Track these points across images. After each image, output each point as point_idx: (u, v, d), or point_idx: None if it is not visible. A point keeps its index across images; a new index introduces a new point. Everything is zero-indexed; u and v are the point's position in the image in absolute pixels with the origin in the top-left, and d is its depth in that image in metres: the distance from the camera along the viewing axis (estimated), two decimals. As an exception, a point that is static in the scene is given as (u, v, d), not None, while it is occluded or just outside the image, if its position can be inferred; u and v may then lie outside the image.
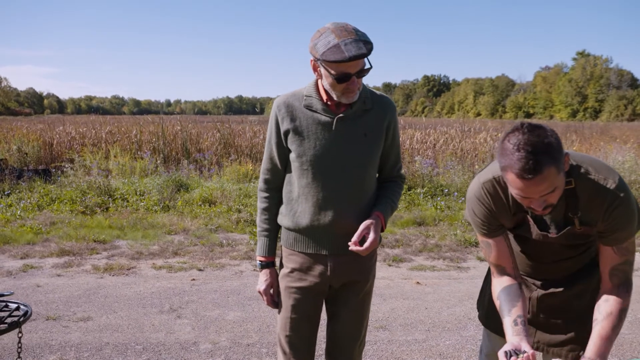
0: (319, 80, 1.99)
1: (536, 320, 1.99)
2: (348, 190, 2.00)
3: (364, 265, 2.11)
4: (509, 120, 51.87)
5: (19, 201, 8.60)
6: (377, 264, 5.66)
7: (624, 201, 1.67)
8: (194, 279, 5.04)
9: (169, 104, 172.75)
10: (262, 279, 2.15)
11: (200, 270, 5.35)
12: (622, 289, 1.73)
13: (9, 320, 2.23)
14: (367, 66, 1.89)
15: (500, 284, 1.86)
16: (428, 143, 13.92)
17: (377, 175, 2.14)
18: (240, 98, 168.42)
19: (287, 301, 2.11)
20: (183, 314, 4.15)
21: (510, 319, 1.75)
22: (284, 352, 2.15)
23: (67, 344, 3.60)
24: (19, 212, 7.95)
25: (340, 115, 1.97)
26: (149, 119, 17.44)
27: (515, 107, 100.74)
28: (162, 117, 16.52)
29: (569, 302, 1.95)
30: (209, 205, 8.51)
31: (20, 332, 2.27)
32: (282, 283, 2.13)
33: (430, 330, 3.94)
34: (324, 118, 1.98)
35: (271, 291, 2.16)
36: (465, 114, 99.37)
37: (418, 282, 5.06)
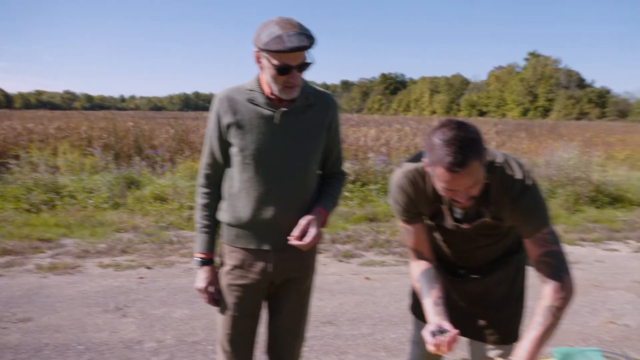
0: (262, 74, 1.99)
1: (458, 307, 2.06)
2: (291, 185, 2.00)
3: (306, 262, 2.13)
4: (463, 119, 52.86)
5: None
6: (328, 259, 5.72)
7: (528, 192, 1.73)
8: (141, 277, 4.96)
9: (123, 99, 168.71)
10: (201, 277, 2.13)
11: (148, 268, 5.27)
12: (551, 285, 1.73)
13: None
14: (309, 61, 1.90)
15: (419, 267, 1.94)
16: (382, 140, 14.07)
17: (318, 171, 2.14)
18: (197, 94, 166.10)
19: (228, 299, 2.10)
20: (128, 313, 4.09)
21: (431, 300, 1.82)
22: (225, 351, 2.13)
23: (5, 345, 3.49)
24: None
25: (284, 109, 1.97)
26: (101, 115, 17.04)
27: (469, 106, 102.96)
28: (114, 112, 16.15)
29: (488, 289, 2.03)
30: (161, 203, 8.38)
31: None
32: (224, 281, 2.11)
33: (376, 325, 4.00)
34: (266, 112, 1.98)
35: (211, 289, 2.13)
36: (420, 112, 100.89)
37: (367, 278, 5.12)
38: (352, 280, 5.04)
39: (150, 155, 12.35)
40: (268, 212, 1.99)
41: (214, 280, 2.14)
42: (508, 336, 2.06)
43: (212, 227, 2.14)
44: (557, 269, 1.74)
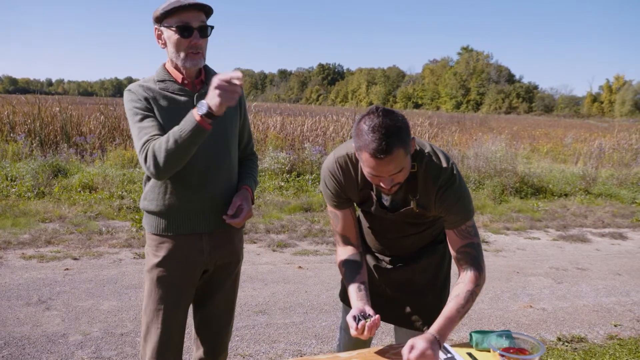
0: (167, 63, 2.00)
1: (384, 294, 2.13)
2: (219, 166, 2.00)
3: (236, 247, 2.14)
4: (399, 110, 53.87)
5: None
6: (262, 249, 5.73)
7: (453, 184, 1.81)
8: (67, 269, 4.80)
9: (50, 83, 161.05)
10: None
11: (75, 259, 5.10)
12: (471, 272, 1.82)
13: None
14: (210, 24, 1.93)
15: (344, 252, 2.00)
16: (318, 130, 14.14)
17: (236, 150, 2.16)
18: (129, 80, 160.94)
19: (158, 293, 2.02)
20: (52, 306, 3.95)
21: (355, 285, 1.88)
22: (154, 347, 2.04)
23: None
24: None
25: (198, 93, 1.97)
26: (24, 99, 16.20)
27: (405, 98, 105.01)
28: (38, 97, 15.37)
29: (413, 276, 2.10)
30: (90, 192, 8.10)
31: None
32: (152, 275, 2.02)
33: (308, 313, 4.05)
34: (182, 98, 1.95)
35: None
36: (358, 103, 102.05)
37: (300, 267, 5.17)
38: (285, 270, 5.08)
39: (79, 142, 11.90)
40: (201, 197, 1.97)
41: None
42: (432, 322, 2.14)
43: None
44: (477, 259, 1.84)
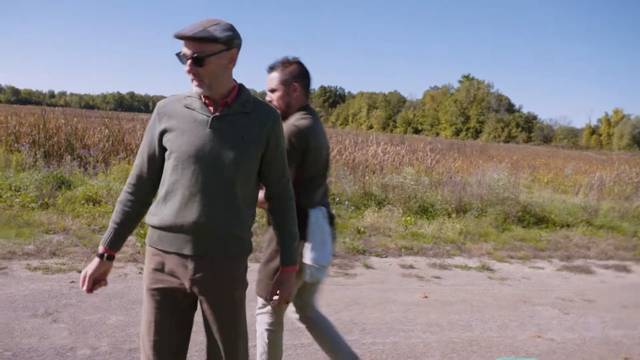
0: None
1: None
2: (215, 190, 1.97)
3: (229, 273, 2.04)
4: (399, 135, 54.22)
5: None
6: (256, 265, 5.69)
7: (287, 130, 2.52)
8: (73, 281, 4.77)
9: (52, 95, 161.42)
10: (90, 265, 2.15)
11: (80, 272, 5.07)
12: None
13: None
14: (202, 55, 1.91)
15: None
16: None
17: (256, 185, 2.10)
18: (132, 94, 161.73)
19: (150, 303, 2.05)
20: (59, 318, 3.91)
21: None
22: (147, 357, 2.06)
23: None
24: None
25: (217, 114, 1.99)
26: (30, 110, 16.29)
27: (405, 123, 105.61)
28: (44, 108, 15.43)
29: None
30: (93, 205, 8.08)
31: None
32: (145, 284, 2.08)
33: (316, 335, 4.01)
34: (200, 116, 2.00)
35: (91, 280, 2.15)
36: (358, 126, 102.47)
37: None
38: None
39: (83, 155, 11.90)
40: (190, 216, 1.97)
41: (97, 274, 2.15)
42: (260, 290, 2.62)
43: (122, 225, 2.12)
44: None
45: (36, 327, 3.72)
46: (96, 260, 2.13)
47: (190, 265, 2.00)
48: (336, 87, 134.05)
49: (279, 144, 2.09)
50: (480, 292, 5.48)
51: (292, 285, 2.20)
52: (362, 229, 7.81)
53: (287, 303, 2.22)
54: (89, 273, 2.13)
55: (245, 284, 2.11)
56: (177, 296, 2.05)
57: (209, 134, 1.97)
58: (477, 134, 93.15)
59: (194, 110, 2.01)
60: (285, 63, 2.63)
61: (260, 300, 2.73)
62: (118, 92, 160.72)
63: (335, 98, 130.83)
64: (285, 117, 2.59)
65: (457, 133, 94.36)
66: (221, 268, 2.02)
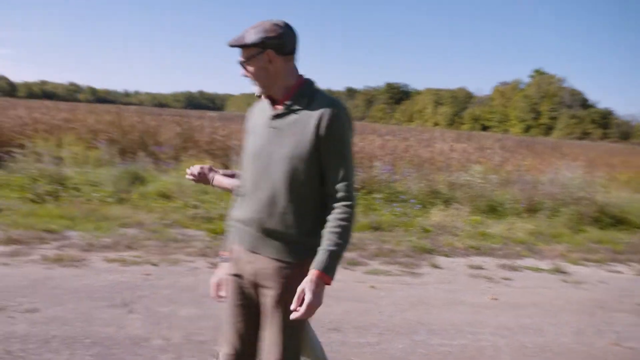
0: None
1: None
2: (267, 188, 2.00)
3: (278, 272, 2.02)
4: (466, 132, 52.97)
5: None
6: (333, 266, 5.69)
7: None
8: (147, 274, 4.96)
9: (127, 94, 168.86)
10: (216, 272, 2.33)
11: (154, 265, 5.27)
12: None
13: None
14: (242, 59, 2.04)
15: None
16: (387, 149, 14.08)
17: (312, 184, 2.00)
18: (201, 93, 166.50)
19: (228, 288, 2.21)
20: (135, 309, 4.08)
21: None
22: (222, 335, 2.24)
23: (12, 335, 3.49)
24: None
25: (274, 113, 2.04)
26: (105, 108, 17.12)
27: (472, 119, 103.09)
28: (120, 107, 16.13)
29: None
30: (165, 200, 8.38)
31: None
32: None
33: (382, 334, 3.99)
34: (265, 116, 2.09)
35: (216, 284, 2.30)
36: (423, 123, 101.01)
37: (372, 286, 5.12)
38: (356, 288, 5.04)
39: (155, 151, 12.36)
40: (247, 213, 2.07)
41: (222, 277, 2.28)
42: None
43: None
44: None
45: (113, 317, 3.90)
46: (224, 265, 2.29)
47: (247, 259, 2.09)
48: (401, 83, 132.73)
49: (336, 144, 1.96)
50: (553, 295, 5.28)
51: (321, 296, 1.93)
52: (429, 228, 7.69)
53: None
54: (213, 279, 2.32)
55: (292, 288, 1.96)
56: (237, 284, 2.15)
57: (268, 133, 2.04)
58: (548, 130, 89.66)
59: (263, 111, 2.11)
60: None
61: None
62: (188, 91, 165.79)
63: (400, 95, 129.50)
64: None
65: (526, 130, 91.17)
66: (271, 268, 2.03)
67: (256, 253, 2.05)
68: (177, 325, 3.83)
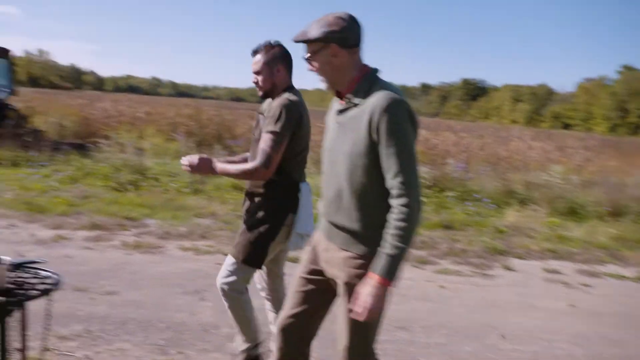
0: None
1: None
2: (334, 183, 2.07)
3: (347, 262, 2.04)
4: (546, 130, 50.79)
5: (54, 173, 8.82)
6: (402, 264, 5.62)
7: (279, 104, 2.67)
8: (219, 263, 5.08)
9: (205, 88, 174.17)
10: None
11: (226, 255, 5.38)
12: (255, 162, 2.63)
13: (40, 287, 2.30)
14: (307, 55, 2.07)
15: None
16: (461, 146, 13.76)
17: (374, 179, 1.97)
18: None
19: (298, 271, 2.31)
20: (206, 297, 4.20)
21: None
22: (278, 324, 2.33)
23: (93, 315, 3.69)
24: (54, 183, 8.15)
25: (339, 109, 2.09)
26: (185, 102, 17.77)
27: (552, 117, 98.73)
28: (198, 101, 16.71)
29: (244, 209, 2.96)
30: (238, 192, 8.58)
31: (50, 300, 2.34)
32: None
33: (451, 335, 3.90)
34: (334, 112, 2.15)
35: None
36: (500, 120, 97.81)
37: (442, 286, 5.02)
38: (425, 287, 4.95)
39: (230, 145, 12.68)
40: (322, 204, 2.18)
41: None
42: (233, 248, 2.88)
43: None
44: (260, 158, 2.61)
45: (186, 304, 4.04)
46: None
47: (324, 246, 2.16)
48: (478, 79, 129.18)
49: (386, 137, 1.89)
50: (637, 305, 4.97)
51: (382, 299, 1.91)
52: (503, 228, 7.44)
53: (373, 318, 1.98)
54: None
55: (353, 280, 2.02)
56: (318, 269, 2.20)
57: (335, 129, 2.09)
58: (636, 130, 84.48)
59: (334, 105, 2.15)
60: (268, 46, 2.78)
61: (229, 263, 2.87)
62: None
63: (477, 91, 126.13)
64: (271, 96, 2.82)
65: (613, 129, 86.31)
66: (340, 257, 2.07)
67: (331, 242, 2.12)
68: (246, 315, 3.91)
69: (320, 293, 2.20)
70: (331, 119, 2.14)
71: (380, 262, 1.89)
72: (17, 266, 2.46)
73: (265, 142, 2.62)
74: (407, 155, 1.90)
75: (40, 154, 9.91)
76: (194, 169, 2.71)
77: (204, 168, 2.70)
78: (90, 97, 27.59)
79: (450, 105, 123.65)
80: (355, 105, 1.99)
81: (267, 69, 2.76)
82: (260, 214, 2.78)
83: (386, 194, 1.95)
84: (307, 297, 2.22)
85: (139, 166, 9.09)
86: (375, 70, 2.05)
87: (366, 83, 2.00)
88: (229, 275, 2.85)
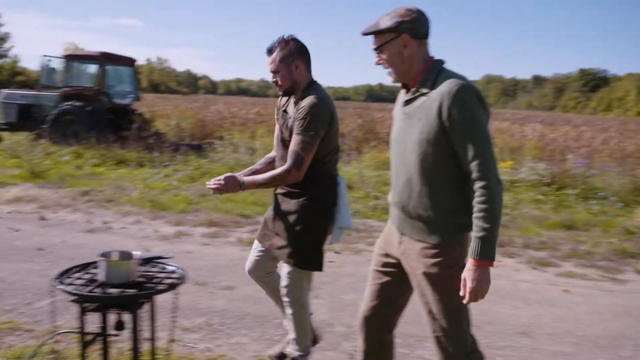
0: None
1: (269, 222, 2.92)
2: (404, 173, 2.08)
3: (422, 253, 2.06)
4: None
5: (174, 172, 9.34)
6: (520, 265, 5.34)
7: (308, 106, 2.59)
8: (331, 261, 5.11)
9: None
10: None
11: (337, 253, 5.41)
12: (287, 165, 2.62)
13: (168, 281, 2.41)
14: (375, 46, 2.10)
15: (269, 153, 2.95)
16: (582, 141, 12.85)
17: (446, 166, 2.00)
18: (381, 85, 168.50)
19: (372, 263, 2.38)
20: (319, 295, 4.22)
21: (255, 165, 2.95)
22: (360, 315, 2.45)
23: (213, 309, 3.83)
24: (174, 182, 8.63)
25: (406, 99, 2.11)
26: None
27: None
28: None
29: (286, 212, 2.79)
30: (348, 190, 8.59)
31: (176, 293, 2.44)
32: None
33: (580, 344, 3.61)
34: (400, 103, 2.18)
35: None
36: (624, 112, 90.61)
37: (566, 290, 4.68)
38: (548, 291, 4.64)
39: (339, 143, 12.76)
40: (392, 195, 2.18)
41: None
42: (288, 257, 2.75)
43: None
44: (292, 161, 2.60)
45: (300, 300, 4.07)
46: None
47: (397, 239, 2.18)
48: (597, 69, 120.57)
49: (458, 123, 1.93)
50: None
51: (484, 280, 1.94)
52: (633, 229, 6.82)
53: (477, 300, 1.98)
54: None
55: (444, 270, 2.05)
56: (390, 262, 2.24)
57: (401, 120, 2.13)
58: None
59: (401, 97, 2.18)
60: (282, 42, 2.65)
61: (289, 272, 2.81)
62: (368, 84, 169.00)
63: (596, 81, 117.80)
64: (292, 94, 2.72)
65: None
66: (415, 249, 2.09)
67: (403, 234, 2.14)
68: (359, 314, 3.88)
69: (395, 284, 2.25)
70: (398, 110, 2.19)
71: (473, 245, 1.94)
72: (147, 261, 2.59)
73: (297, 144, 2.58)
74: (481, 138, 1.93)
75: (162, 155, 10.55)
76: (222, 189, 2.65)
77: (232, 186, 2.65)
78: (205, 100, 29.08)
79: (566, 97, 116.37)
80: (423, 94, 2.02)
81: (284, 67, 2.65)
82: (308, 214, 2.71)
83: (456, 179, 2.01)
84: (383, 289, 2.29)
85: (250, 165, 9.36)
86: (441, 61, 2.10)
87: (433, 73, 2.04)
88: (292, 285, 2.79)
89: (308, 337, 2.92)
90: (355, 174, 9.19)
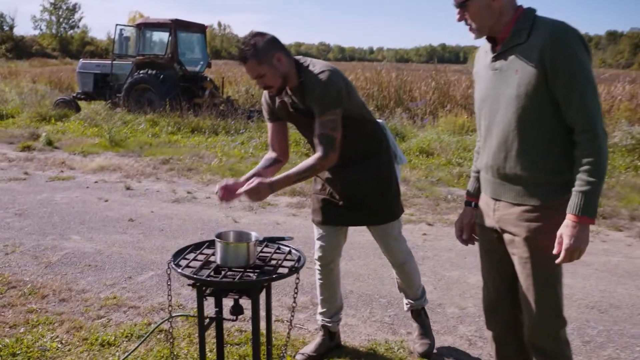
0: None
1: (336, 202, 2.70)
2: (499, 133, 1.92)
3: (523, 217, 1.90)
4: None
5: (249, 140, 9.27)
6: (632, 240, 4.92)
7: (319, 82, 2.41)
8: (425, 234, 4.87)
9: (371, 51, 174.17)
10: (460, 216, 2.27)
11: (429, 224, 5.17)
12: (318, 153, 2.42)
13: (287, 264, 2.26)
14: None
15: (266, 155, 2.70)
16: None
17: (547, 120, 1.85)
18: (443, 46, 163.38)
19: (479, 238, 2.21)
20: (421, 271, 3.98)
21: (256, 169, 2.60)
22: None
23: (314, 286, 3.67)
24: (250, 150, 8.55)
25: (495, 54, 1.92)
26: (352, 66, 17.71)
27: None
28: (365, 64, 16.54)
29: (355, 184, 2.65)
30: (427, 157, 8.28)
31: (297, 277, 2.30)
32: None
33: None
34: (487, 60, 1.98)
35: (460, 228, 2.25)
36: None
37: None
38: (669, 269, 4.24)
39: (411, 107, 12.34)
40: (484, 159, 2.02)
41: (463, 220, 2.23)
42: (380, 218, 2.71)
43: (477, 172, 2.17)
44: (325, 146, 2.40)
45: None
46: (465, 208, 2.25)
47: (492, 207, 2.03)
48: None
49: (562, 72, 1.77)
50: None
51: (583, 238, 1.78)
52: None
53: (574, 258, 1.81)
54: (457, 221, 2.27)
55: (548, 234, 1.85)
56: (486, 234, 2.10)
57: (491, 76, 1.95)
58: None
59: (485, 53, 2.00)
60: (249, 46, 2.39)
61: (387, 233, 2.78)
62: (430, 45, 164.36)
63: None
64: (288, 86, 2.52)
65: None
66: (513, 213, 1.94)
67: (498, 200, 1.99)
68: (469, 294, 3.65)
69: (508, 259, 2.03)
70: (483, 69, 2.01)
71: (574, 200, 1.79)
72: (264, 241, 2.45)
73: (323, 126, 2.41)
74: (588, 86, 1.78)
75: (236, 122, 10.49)
76: (251, 198, 2.35)
77: (265, 193, 2.34)
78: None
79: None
80: (519, 44, 1.85)
81: (267, 67, 2.40)
82: (381, 168, 2.70)
83: (557, 134, 1.86)
84: (497, 268, 2.11)
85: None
86: (533, 9, 1.91)
87: (526, 21, 1.86)
88: (397, 243, 2.81)
89: (420, 278, 2.97)
90: (433, 140, 8.83)
